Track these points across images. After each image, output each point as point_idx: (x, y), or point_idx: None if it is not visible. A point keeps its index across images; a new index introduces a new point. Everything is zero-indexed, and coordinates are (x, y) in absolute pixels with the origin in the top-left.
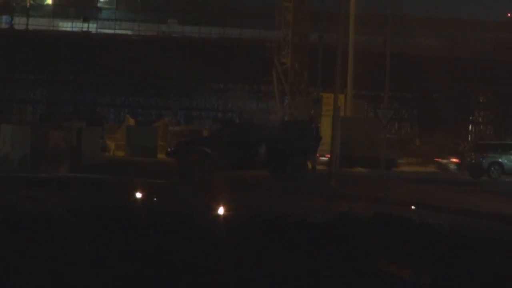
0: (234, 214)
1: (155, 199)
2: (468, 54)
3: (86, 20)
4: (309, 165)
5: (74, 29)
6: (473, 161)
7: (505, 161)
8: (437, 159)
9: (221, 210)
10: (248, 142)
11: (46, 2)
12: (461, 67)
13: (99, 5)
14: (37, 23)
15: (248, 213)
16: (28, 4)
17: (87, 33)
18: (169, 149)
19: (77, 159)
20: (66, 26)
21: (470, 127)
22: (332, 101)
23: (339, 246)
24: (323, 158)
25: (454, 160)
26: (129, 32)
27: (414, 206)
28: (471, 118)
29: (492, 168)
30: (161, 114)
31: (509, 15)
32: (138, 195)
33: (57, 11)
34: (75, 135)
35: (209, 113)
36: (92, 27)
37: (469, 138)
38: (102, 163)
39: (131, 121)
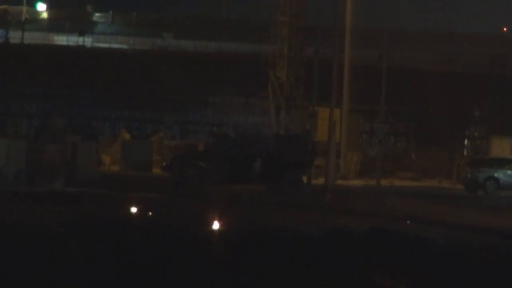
0: (229, 228)
1: (150, 213)
2: (464, 68)
3: (81, 34)
4: (305, 179)
5: (70, 43)
6: (468, 175)
7: (501, 175)
8: None
9: (216, 225)
10: (243, 156)
11: (41, 16)
12: (457, 81)
13: (94, 19)
14: (32, 37)
15: (243, 227)
16: (23, 18)
17: (82, 47)
18: (164, 164)
19: (72, 173)
20: (62, 40)
21: (466, 141)
22: (328, 115)
23: (334, 260)
24: None
25: None
26: (125, 46)
27: (409, 220)
28: (467, 132)
29: (488, 183)
30: (157, 128)
31: (505, 29)
32: (133, 209)
33: (53, 25)
34: (70, 149)
35: (205, 127)
36: (87, 41)
37: (465, 153)
38: (97, 177)
39: (127, 135)
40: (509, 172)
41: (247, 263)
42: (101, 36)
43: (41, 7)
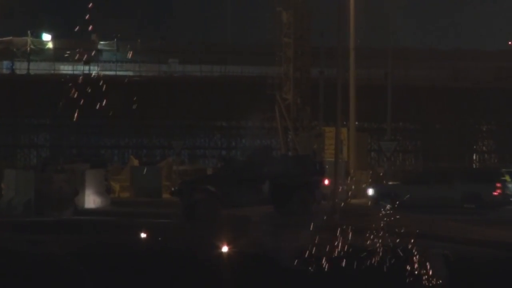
0: (239, 251)
1: (160, 238)
2: (470, 84)
3: (87, 62)
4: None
5: (75, 72)
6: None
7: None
8: None
9: (225, 248)
10: (251, 179)
11: (46, 46)
12: (463, 97)
13: (99, 47)
14: (38, 68)
15: (253, 249)
16: (28, 49)
17: (88, 76)
18: (173, 189)
19: (81, 201)
20: (67, 69)
21: (474, 156)
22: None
23: (345, 279)
24: None
25: None
26: (131, 73)
27: (419, 236)
28: (475, 147)
29: None
30: (165, 154)
31: (510, 43)
32: (143, 235)
33: (58, 55)
34: (79, 178)
35: (213, 152)
36: (93, 69)
37: (474, 167)
38: (107, 204)
39: (135, 162)
40: None
41: (257, 285)
42: (107, 64)
43: (46, 37)
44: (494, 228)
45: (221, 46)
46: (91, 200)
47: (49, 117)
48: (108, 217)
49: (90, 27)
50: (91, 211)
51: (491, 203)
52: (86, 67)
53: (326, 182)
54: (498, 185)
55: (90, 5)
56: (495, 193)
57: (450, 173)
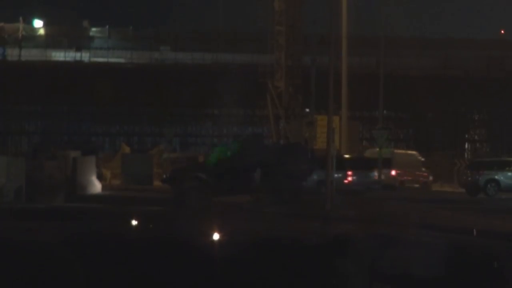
0: (229, 239)
1: (151, 226)
2: (462, 73)
3: (78, 49)
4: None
5: (67, 59)
6: (469, 178)
7: (502, 178)
8: None
9: (216, 236)
10: (243, 167)
11: (38, 33)
12: (455, 86)
13: (91, 34)
14: (30, 54)
15: (244, 237)
16: (20, 35)
17: (80, 63)
18: (164, 176)
19: (72, 188)
20: (59, 56)
21: (466, 145)
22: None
23: (334, 268)
24: None
25: None
26: (122, 60)
27: (411, 225)
28: (467, 136)
29: (489, 186)
30: (156, 141)
31: (502, 32)
32: (134, 222)
33: (50, 42)
34: (70, 165)
35: (205, 139)
36: (85, 56)
37: (466, 156)
38: (98, 191)
39: (127, 149)
40: (509, 174)
41: (247, 273)
42: (99, 51)
43: (38, 23)
44: (487, 217)
45: (213, 33)
46: (82, 187)
47: (41, 104)
48: (99, 205)
49: None
50: (82, 198)
51: (343, 190)
52: (78, 54)
53: (393, 172)
54: (349, 173)
55: None
56: (346, 181)
57: None
